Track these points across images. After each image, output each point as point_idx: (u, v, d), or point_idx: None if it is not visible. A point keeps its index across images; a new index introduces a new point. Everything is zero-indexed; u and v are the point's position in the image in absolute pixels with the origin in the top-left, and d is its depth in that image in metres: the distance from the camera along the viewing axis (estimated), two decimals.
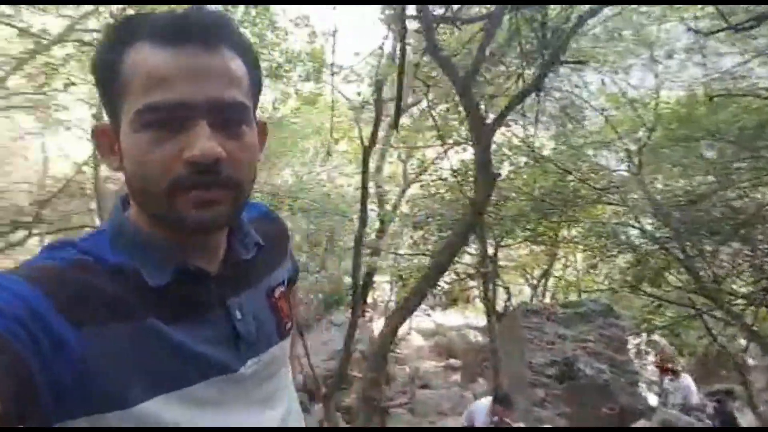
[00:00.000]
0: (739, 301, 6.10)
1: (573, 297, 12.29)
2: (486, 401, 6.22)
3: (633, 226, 6.32)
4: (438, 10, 5.05)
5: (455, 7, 5.16)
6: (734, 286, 6.21)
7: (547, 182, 8.31)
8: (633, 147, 6.65)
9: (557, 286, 13.40)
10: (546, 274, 12.84)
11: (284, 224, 1.00)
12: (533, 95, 5.02)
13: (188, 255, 0.72)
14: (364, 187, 7.32)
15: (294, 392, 0.95)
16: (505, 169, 9.10)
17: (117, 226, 0.74)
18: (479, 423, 5.86)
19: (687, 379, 7.76)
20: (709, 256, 5.84)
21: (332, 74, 7.97)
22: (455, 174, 8.95)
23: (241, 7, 6.91)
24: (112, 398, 0.62)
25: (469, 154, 9.70)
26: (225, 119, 0.66)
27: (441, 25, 5.50)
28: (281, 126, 10.63)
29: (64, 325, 0.58)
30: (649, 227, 6.30)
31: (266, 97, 10.10)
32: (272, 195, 11.04)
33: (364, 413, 5.76)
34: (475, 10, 5.36)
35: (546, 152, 9.01)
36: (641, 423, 8.84)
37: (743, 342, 7.58)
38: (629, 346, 9.86)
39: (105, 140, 0.72)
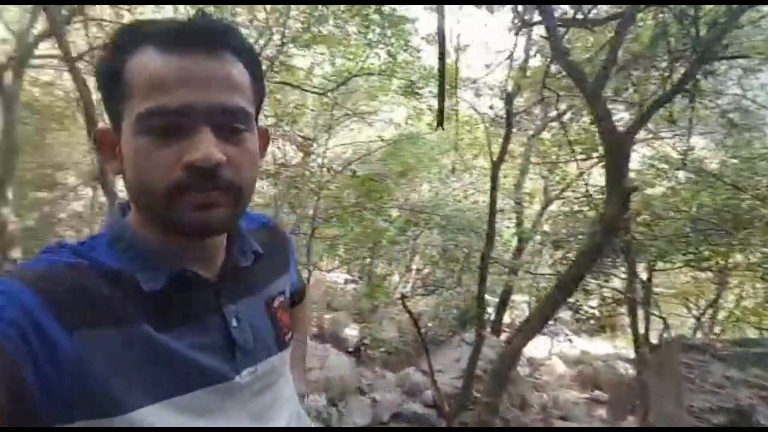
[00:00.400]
0: None
1: (748, 334, 10.49)
2: None
3: None
4: (569, 11, 4.71)
5: (586, 8, 4.77)
6: None
7: (712, 200, 7.24)
8: None
9: (728, 319, 11.53)
10: (714, 305, 11.15)
11: (285, 235, 0.99)
12: (686, 100, 4.40)
13: (186, 261, 0.72)
14: (492, 203, 7.08)
15: (298, 405, 0.93)
16: (660, 186, 8.17)
17: (116, 230, 0.74)
18: None
19: None
20: None
21: (455, 87, 7.84)
22: (601, 190, 8.24)
23: (377, 29, 7.19)
24: (105, 404, 0.62)
25: None
26: (226, 125, 0.66)
27: (572, 30, 5.12)
28: (416, 142, 10.79)
29: (56, 329, 0.59)
30: None
31: (401, 112, 10.36)
32: (410, 210, 11.24)
33: None
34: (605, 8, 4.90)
35: (713, 165, 7.88)
36: None
37: None
38: None
39: (106, 143, 0.72)
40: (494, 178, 6.91)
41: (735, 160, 7.17)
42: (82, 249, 0.70)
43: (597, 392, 14.02)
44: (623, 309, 12.96)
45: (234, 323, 0.75)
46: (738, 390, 8.70)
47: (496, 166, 6.84)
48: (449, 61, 7.99)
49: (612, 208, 4.26)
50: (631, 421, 11.93)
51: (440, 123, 4.49)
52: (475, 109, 9.01)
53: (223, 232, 0.75)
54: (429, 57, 7.97)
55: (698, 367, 9.45)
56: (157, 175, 0.65)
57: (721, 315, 11.57)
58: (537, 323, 5.26)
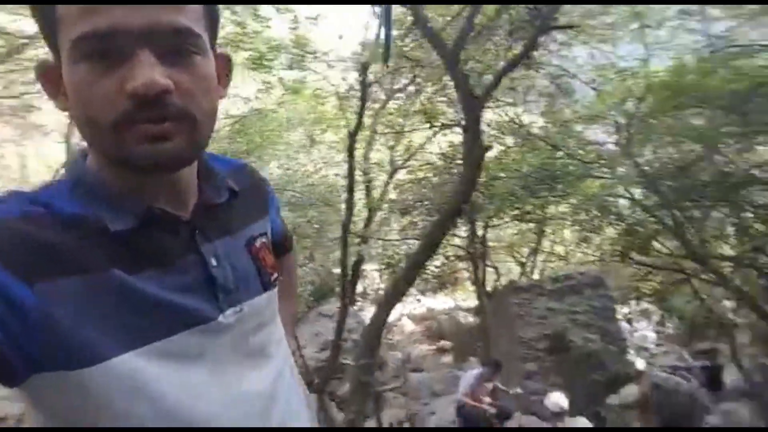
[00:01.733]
0: (726, 263, 6.35)
1: (563, 272, 12.57)
2: (476, 369, 6.42)
3: (623, 197, 6.51)
4: None
5: None
6: (721, 250, 6.47)
7: (536, 160, 8.47)
8: (622, 119, 6.83)
9: (546, 261, 13.67)
10: (535, 252, 13.09)
11: (263, 179, 0.95)
12: (522, 69, 5.08)
13: (155, 199, 0.68)
14: (351, 175, 7.30)
15: (288, 351, 0.91)
16: (494, 150, 9.23)
17: (76, 174, 0.69)
18: (468, 385, 6.05)
19: None
20: (697, 222, 6.07)
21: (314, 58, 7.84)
22: (444, 157, 9.04)
23: None
24: (79, 354, 0.58)
25: (457, 136, 9.82)
26: (171, 47, 0.61)
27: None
28: (265, 118, 10.50)
29: (16, 284, 0.56)
30: (638, 197, 6.49)
31: (250, 87, 10.00)
32: None
33: (358, 399, 5.77)
34: None
35: (535, 130, 9.14)
36: (630, 387, 9.19)
37: (728, 303, 7.92)
38: (619, 315, 10.19)
39: (51, 80, 0.66)
40: (351, 150, 7.07)
41: (552, 124, 8.48)
42: (38, 197, 0.65)
43: (443, 342, 15.55)
44: (462, 265, 14.51)
45: (213, 262, 0.71)
46: (557, 318, 10.45)
47: (352, 138, 7.01)
48: (300, 31, 7.93)
49: (470, 168, 4.75)
50: (473, 361, 13.52)
51: (386, 59, 4.59)
52: (328, 81, 9.10)
53: (182, 166, 0.68)
54: (279, 27, 7.78)
55: (526, 304, 11.10)
56: (101, 106, 0.59)
57: (541, 258, 13.66)
58: (405, 283, 5.60)
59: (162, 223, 0.68)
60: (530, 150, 8.33)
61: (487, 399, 5.92)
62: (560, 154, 8.23)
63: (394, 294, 5.94)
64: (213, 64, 0.67)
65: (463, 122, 5.12)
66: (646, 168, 6.21)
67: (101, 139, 0.62)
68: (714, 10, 5.47)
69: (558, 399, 5.30)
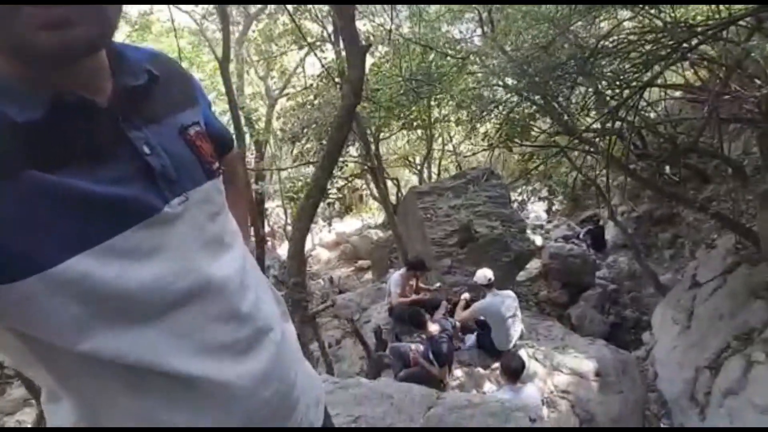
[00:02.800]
0: (593, 133, 6.88)
1: (454, 171, 13.10)
2: (399, 271, 6.70)
3: (497, 85, 6.74)
4: None
5: None
6: (588, 120, 6.99)
7: (411, 64, 8.44)
8: (483, 11, 6.93)
9: (440, 164, 14.15)
10: (427, 157, 13.46)
11: (182, 67, 0.87)
12: None
13: (63, 86, 0.60)
14: (233, 108, 6.85)
15: (246, 249, 0.88)
16: (368, 60, 9.05)
17: None
18: (394, 288, 6.34)
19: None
20: (564, 98, 6.46)
21: None
22: (326, 75, 8.72)
23: None
24: (21, 263, 0.54)
25: (329, 53, 9.48)
26: None
27: None
28: None
29: None
30: (510, 83, 6.75)
31: None
32: None
33: (297, 318, 5.87)
34: None
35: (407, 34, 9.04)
36: (533, 262, 10.14)
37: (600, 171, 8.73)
38: (513, 199, 10.95)
39: None
40: (226, 79, 6.59)
41: (418, 26, 8.41)
42: None
43: (360, 262, 16.03)
44: (361, 182, 14.65)
45: (146, 150, 0.66)
46: (460, 213, 11.00)
47: (224, 65, 6.51)
48: None
49: (354, 70, 4.62)
50: (392, 272, 14.16)
51: None
52: (182, 11, 8.20)
53: (89, 55, 0.61)
54: None
55: (431, 207, 11.54)
56: None
57: (434, 162, 14.12)
58: (316, 194, 5.44)
59: (77, 110, 0.60)
60: (403, 56, 8.26)
61: (413, 295, 6.22)
62: (432, 56, 8.27)
63: (306, 215, 5.81)
64: None
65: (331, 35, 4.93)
66: (513, 54, 6.39)
67: None
68: None
69: (485, 272, 5.75)
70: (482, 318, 5.60)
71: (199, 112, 0.82)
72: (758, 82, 4.72)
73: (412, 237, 11.59)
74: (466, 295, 6.04)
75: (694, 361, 5.54)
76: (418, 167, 14.28)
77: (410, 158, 14.52)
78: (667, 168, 7.11)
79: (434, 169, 14.35)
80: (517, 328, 5.61)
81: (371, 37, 8.23)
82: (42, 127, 0.57)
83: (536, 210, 13.21)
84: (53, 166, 0.57)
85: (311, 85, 10.05)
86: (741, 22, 4.24)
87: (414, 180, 15.12)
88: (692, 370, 5.47)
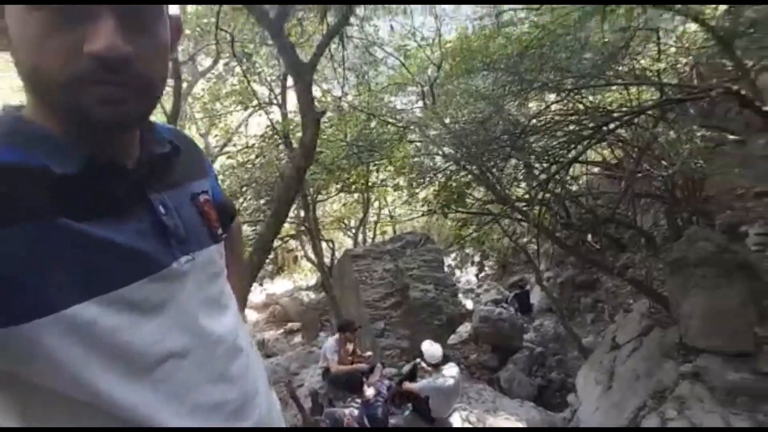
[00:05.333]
0: (523, 203, 7.40)
1: (391, 234, 13.36)
2: (334, 336, 6.61)
3: (436, 154, 7.17)
4: None
5: None
6: (518, 191, 7.54)
7: (354, 130, 8.80)
8: (425, 85, 7.46)
9: (376, 228, 14.40)
10: (363, 220, 13.69)
11: (196, 143, 0.96)
12: (337, 41, 5.22)
13: (98, 150, 0.66)
14: None
15: (239, 315, 0.93)
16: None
17: (8, 123, 0.66)
18: (330, 354, 6.23)
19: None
20: (498, 170, 6.97)
21: None
22: (272, 134, 8.85)
23: None
24: (33, 304, 0.57)
25: (273, 115, 9.68)
26: (134, 12, 0.60)
27: None
28: None
29: None
30: (448, 152, 7.19)
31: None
32: None
33: None
34: None
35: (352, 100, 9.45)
36: (464, 325, 10.37)
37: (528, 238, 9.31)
38: (446, 264, 11.28)
39: None
40: None
41: (363, 94, 8.86)
42: None
43: (290, 324, 15.57)
44: (295, 243, 14.54)
45: (162, 210, 0.72)
46: (395, 277, 11.12)
47: (172, 120, 6.50)
48: None
49: (308, 134, 4.79)
50: (323, 336, 13.84)
51: None
52: None
53: (136, 127, 0.70)
54: None
55: (365, 269, 11.61)
56: (57, 61, 0.57)
57: (370, 225, 14.35)
58: (259, 257, 5.39)
59: (108, 170, 0.67)
60: (347, 122, 8.62)
61: (349, 359, 6.12)
62: (374, 123, 8.69)
63: (250, 275, 5.66)
64: (168, 29, 0.67)
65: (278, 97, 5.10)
66: (452, 126, 6.87)
67: (53, 94, 0.59)
68: None
69: (436, 349, 5.57)
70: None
71: (207, 183, 0.91)
72: (664, 163, 5.39)
73: (346, 299, 11.54)
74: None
75: (614, 420, 5.81)
76: (354, 230, 14.45)
77: (346, 221, 14.70)
78: (589, 236, 7.75)
79: (369, 233, 14.57)
80: (456, 399, 5.65)
81: (316, 104, 8.56)
82: (76, 182, 0.62)
83: (467, 274, 13.66)
84: (81, 216, 0.62)
85: (253, 144, 10.14)
86: (649, 112, 4.90)
87: (348, 243, 15.24)
88: None
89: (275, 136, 8.59)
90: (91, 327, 0.60)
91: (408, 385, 5.61)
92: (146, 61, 0.62)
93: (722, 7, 5.22)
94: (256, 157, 10.07)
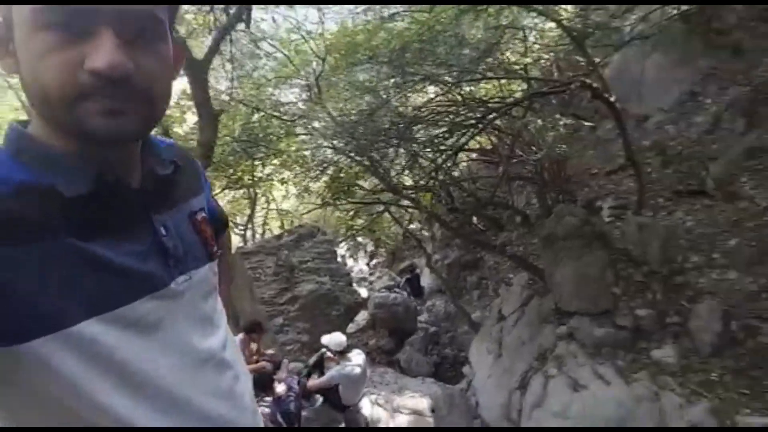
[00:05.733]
0: (412, 191, 7.74)
1: (278, 229, 13.18)
2: (237, 337, 6.45)
3: (327, 147, 7.21)
4: None
5: None
6: (407, 179, 7.86)
7: (237, 125, 8.54)
8: (311, 78, 7.44)
9: (263, 224, 14.09)
10: (251, 217, 13.33)
11: (192, 157, 0.96)
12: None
13: (104, 168, 0.68)
14: None
15: (227, 325, 0.94)
16: (191, 122, 8.89)
17: (17, 142, 0.67)
18: None
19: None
20: (387, 160, 7.21)
21: None
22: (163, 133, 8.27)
23: None
24: (39, 322, 0.58)
25: None
26: (135, 30, 0.62)
27: None
28: None
29: None
30: (338, 145, 7.27)
31: None
32: None
33: None
34: None
35: (224, 97, 9.10)
36: (361, 313, 10.63)
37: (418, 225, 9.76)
38: (339, 254, 11.42)
39: None
40: None
41: (247, 88, 8.60)
42: None
43: None
44: None
45: (163, 231, 0.74)
46: (290, 271, 11.03)
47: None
48: None
49: (206, 133, 4.59)
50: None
51: None
52: None
53: (136, 139, 0.71)
54: None
55: (259, 266, 11.36)
56: (58, 77, 0.59)
57: (258, 221, 14.00)
58: None
59: (113, 191, 0.68)
60: (233, 116, 8.33)
61: (254, 359, 5.99)
62: (256, 117, 8.52)
63: None
64: (171, 49, 0.69)
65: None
66: (340, 119, 6.95)
67: (56, 109, 0.61)
68: None
69: (339, 337, 5.63)
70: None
71: (203, 197, 0.92)
72: (534, 148, 5.99)
73: (240, 298, 11.21)
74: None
75: (506, 385, 6.39)
76: (242, 228, 14.02)
77: (232, 219, 14.19)
78: (474, 219, 8.34)
79: (259, 230, 14.23)
80: (365, 384, 5.81)
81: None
82: (84, 202, 0.64)
83: (358, 264, 13.94)
84: (87, 235, 0.64)
85: None
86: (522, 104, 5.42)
87: (235, 241, 14.72)
88: (506, 393, 6.30)
89: (167, 134, 8.04)
90: (93, 344, 0.62)
91: (316, 382, 5.64)
92: (147, 77, 0.63)
93: (573, 9, 5.90)
94: None
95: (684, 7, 5.50)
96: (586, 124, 6.12)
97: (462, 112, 6.12)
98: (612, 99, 5.33)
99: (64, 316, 0.60)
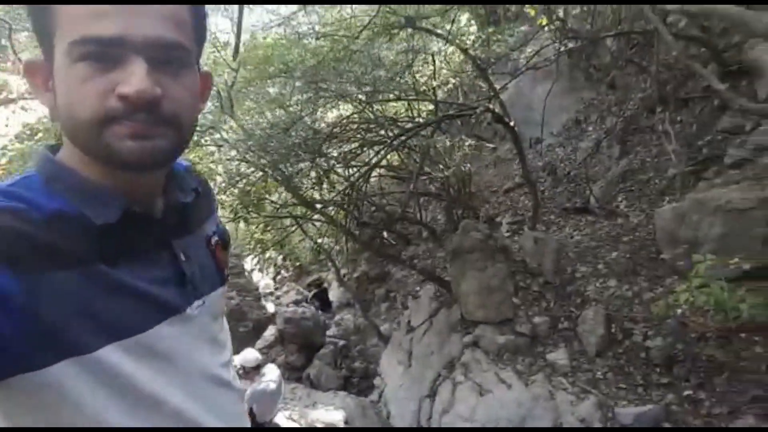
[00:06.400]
0: (323, 205, 7.80)
1: None
2: None
3: (240, 160, 7.06)
4: None
5: None
6: (316, 194, 7.90)
7: None
8: (221, 89, 7.24)
9: None
10: None
11: (204, 178, 0.98)
12: None
13: (130, 196, 0.70)
14: None
15: (229, 339, 0.98)
16: None
17: (49, 170, 0.69)
18: None
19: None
20: (301, 175, 7.21)
21: None
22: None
23: None
24: (63, 347, 0.60)
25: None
26: (164, 58, 0.64)
27: None
28: None
29: (1, 278, 0.57)
30: (249, 158, 7.13)
31: None
32: None
33: None
34: None
35: None
36: (270, 329, 10.40)
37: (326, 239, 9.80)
38: (246, 269, 11.11)
39: (38, 76, 0.68)
40: None
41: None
42: (10, 192, 0.64)
43: None
44: None
45: (183, 257, 0.77)
46: None
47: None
48: None
49: None
50: None
51: None
52: None
53: (165, 165, 0.72)
54: None
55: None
56: (90, 103, 0.62)
57: None
58: None
59: (140, 219, 0.71)
60: None
61: None
62: None
63: None
64: (197, 78, 0.72)
65: None
66: (252, 132, 6.83)
67: (86, 134, 0.63)
68: None
69: (252, 353, 5.48)
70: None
71: (214, 219, 0.94)
72: (441, 166, 6.35)
73: None
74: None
75: (416, 393, 6.62)
76: None
77: None
78: (384, 233, 8.55)
79: None
80: (280, 399, 5.70)
81: None
82: (112, 229, 0.66)
83: (264, 278, 13.63)
84: (113, 262, 0.66)
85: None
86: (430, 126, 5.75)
87: None
88: (416, 401, 6.53)
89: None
90: (110, 369, 0.63)
91: None
92: (174, 103, 0.66)
93: (476, 38, 6.38)
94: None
95: (570, 45, 6.18)
96: (488, 145, 6.60)
97: (374, 130, 6.32)
98: (511, 123, 5.83)
99: (84, 342, 0.61)
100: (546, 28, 5.89)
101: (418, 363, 7.01)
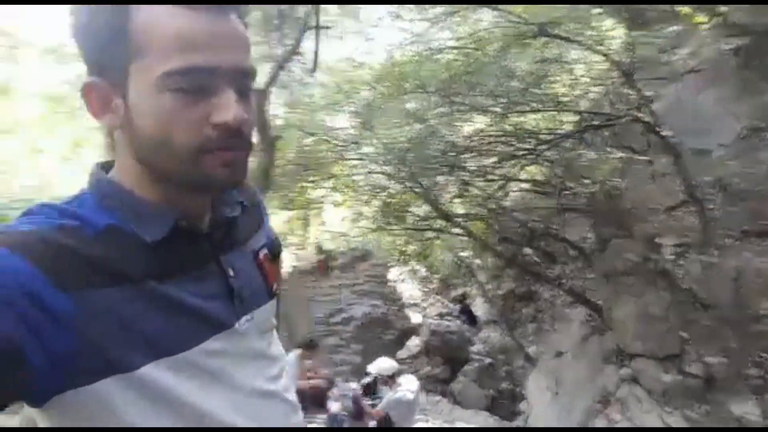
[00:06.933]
0: (464, 219, 7.60)
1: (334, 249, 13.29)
2: (294, 353, 6.52)
3: (380, 173, 7.22)
4: None
5: None
6: (460, 209, 7.72)
7: (291, 147, 8.77)
8: (359, 106, 7.51)
9: (317, 245, 14.28)
10: (305, 236, 13.56)
11: (256, 191, 0.99)
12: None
13: (183, 214, 0.72)
14: None
15: (283, 352, 0.97)
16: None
17: (102, 187, 0.71)
18: (292, 373, 6.13)
19: None
20: (439, 187, 7.12)
21: None
22: None
23: None
24: (110, 363, 0.61)
25: None
26: (243, 85, 0.68)
27: None
28: None
29: (53, 294, 0.58)
30: (390, 171, 7.25)
31: None
32: None
33: None
34: None
35: (278, 122, 9.35)
36: (413, 339, 10.49)
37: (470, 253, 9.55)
38: (390, 278, 11.39)
39: (98, 97, 0.69)
40: None
41: (298, 113, 8.81)
42: (67, 209, 0.67)
43: None
44: None
45: (231, 272, 0.77)
46: (342, 292, 11.10)
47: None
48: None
49: (265, 156, 4.78)
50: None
51: None
52: None
53: (237, 187, 0.79)
54: None
55: (313, 286, 11.52)
56: (185, 133, 0.64)
57: (312, 241, 14.20)
58: None
59: (188, 235, 0.72)
60: (285, 141, 8.54)
61: (308, 376, 6.04)
62: (310, 140, 8.69)
63: None
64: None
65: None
66: (392, 146, 6.93)
67: (180, 161, 0.65)
68: (411, 13, 6.39)
69: (389, 362, 5.63)
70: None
71: (264, 232, 0.93)
72: (587, 180, 5.72)
73: (296, 315, 11.42)
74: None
75: (565, 423, 6.09)
76: (296, 248, 14.26)
77: (287, 238, 14.46)
78: (527, 249, 8.03)
79: (311, 246, 14.43)
80: (417, 410, 5.69)
81: None
82: (161, 246, 0.68)
83: (409, 289, 13.80)
84: (163, 278, 0.67)
85: None
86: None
87: (290, 260, 14.98)
88: None
89: None
90: (155, 386, 0.63)
91: (372, 410, 5.56)
92: (251, 126, 0.70)
93: (621, 42, 5.64)
94: None
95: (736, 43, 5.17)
96: (640, 157, 5.77)
97: (512, 143, 5.95)
98: (665, 133, 5.03)
99: (131, 358, 0.62)
100: (703, 26, 5.02)
101: (566, 392, 6.44)
